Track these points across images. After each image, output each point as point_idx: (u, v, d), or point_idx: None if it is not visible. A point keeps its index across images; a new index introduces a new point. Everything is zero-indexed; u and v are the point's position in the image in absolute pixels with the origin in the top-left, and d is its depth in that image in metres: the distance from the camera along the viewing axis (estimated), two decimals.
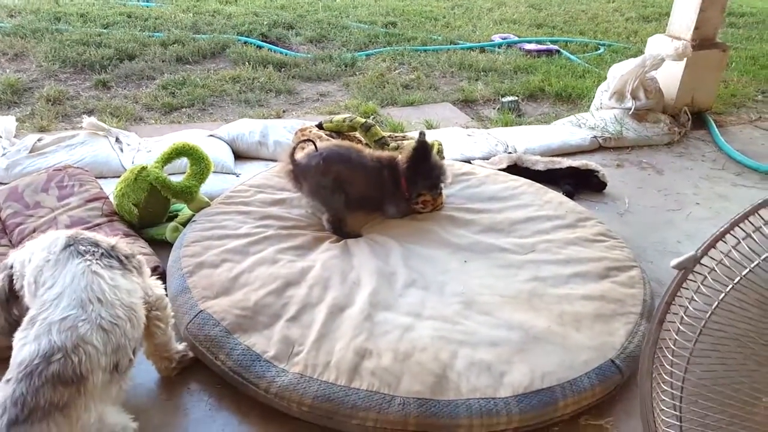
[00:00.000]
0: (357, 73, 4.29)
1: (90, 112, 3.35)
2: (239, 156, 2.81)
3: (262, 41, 4.69)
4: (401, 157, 2.12)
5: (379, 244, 1.97)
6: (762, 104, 3.99)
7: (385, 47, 4.79)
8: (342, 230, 2.03)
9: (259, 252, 1.83)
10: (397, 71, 4.35)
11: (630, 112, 3.26)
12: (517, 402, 1.38)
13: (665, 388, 0.84)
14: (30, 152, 2.57)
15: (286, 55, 4.46)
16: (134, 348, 1.31)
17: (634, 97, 3.29)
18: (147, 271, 1.45)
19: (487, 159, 2.82)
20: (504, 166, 2.67)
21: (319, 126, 2.59)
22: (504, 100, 3.79)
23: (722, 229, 0.81)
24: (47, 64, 4.06)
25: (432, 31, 5.36)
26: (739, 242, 0.77)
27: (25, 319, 1.22)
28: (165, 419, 1.43)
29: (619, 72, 3.34)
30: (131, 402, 1.43)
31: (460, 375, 1.42)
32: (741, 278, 0.76)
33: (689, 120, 3.36)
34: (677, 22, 3.40)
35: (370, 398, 1.36)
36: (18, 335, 1.20)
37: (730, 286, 0.77)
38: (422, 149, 2.09)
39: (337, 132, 2.57)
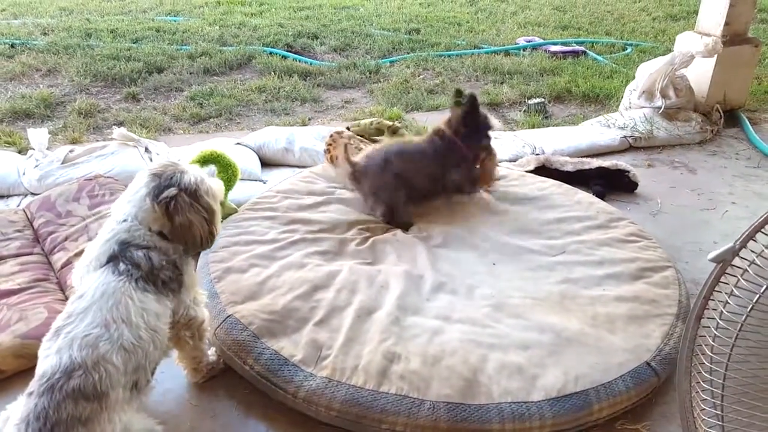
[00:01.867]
0: (381, 79, 4.30)
1: (120, 124, 3.43)
2: (266, 163, 2.84)
3: (287, 51, 4.75)
4: (447, 122, 2.19)
5: (407, 246, 1.95)
6: None
7: (408, 53, 4.79)
8: (399, 221, 2.09)
9: (287, 257, 1.83)
10: (421, 77, 4.35)
11: (660, 111, 3.18)
12: (550, 406, 1.34)
13: (705, 386, 0.80)
14: (62, 163, 2.63)
15: (310, 64, 4.51)
16: (155, 367, 1.32)
17: (664, 96, 3.21)
18: (192, 292, 1.43)
19: (515, 161, 2.78)
20: (532, 167, 2.63)
21: (347, 129, 2.61)
22: (530, 102, 3.75)
23: (763, 218, 0.77)
24: (79, 78, 4.18)
25: (455, 36, 5.35)
26: None
27: (52, 328, 1.24)
28: (194, 424, 1.43)
29: (648, 70, 3.27)
30: (161, 407, 1.44)
31: (491, 378, 1.39)
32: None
33: (721, 118, 3.26)
34: (706, 18, 3.31)
35: (400, 402, 1.34)
36: (43, 345, 1.22)
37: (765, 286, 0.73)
38: (472, 104, 2.17)
39: (362, 135, 2.58)
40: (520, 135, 3.13)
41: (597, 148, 2.97)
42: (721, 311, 0.77)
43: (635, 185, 2.59)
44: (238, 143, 2.88)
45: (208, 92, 3.98)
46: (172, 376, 1.51)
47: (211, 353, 1.56)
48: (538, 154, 2.78)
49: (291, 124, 3.52)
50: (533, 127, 3.39)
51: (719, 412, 0.77)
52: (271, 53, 4.67)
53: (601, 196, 2.45)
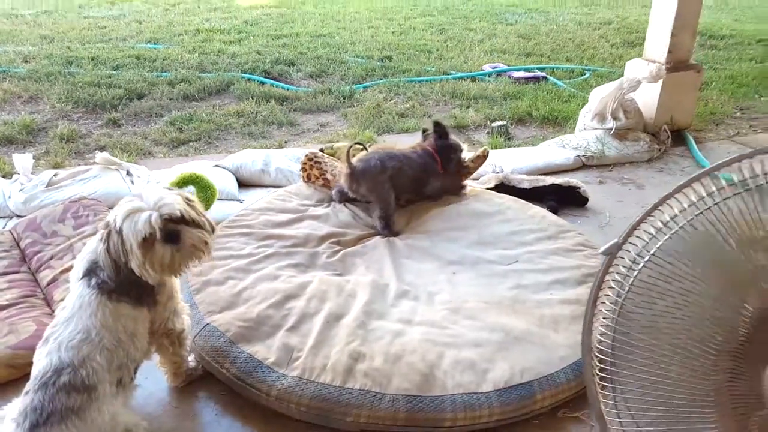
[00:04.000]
0: (355, 104, 4.50)
1: (102, 149, 3.55)
2: (243, 184, 2.99)
3: (264, 77, 4.94)
4: (427, 142, 2.55)
5: (374, 259, 2.11)
6: (740, 120, 4.17)
7: (381, 79, 5.02)
8: (390, 227, 2.33)
9: (261, 269, 1.98)
10: (392, 101, 4.56)
11: (611, 132, 3.43)
12: (498, 396, 1.50)
13: (599, 355, 0.98)
14: (46, 186, 2.75)
15: (287, 89, 4.69)
16: (137, 366, 1.45)
17: (615, 118, 3.47)
18: (170, 305, 1.51)
19: (477, 179, 2.97)
20: (492, 185, 2.83)
21: (321, 151, 2.79)
22: (494, 125, 3.98)
23: (638, 219, 0.96)
24: (60, 105, 4.30)
25: (426, 63, 5.60)
26: (656, 230, 0.92)
27: (43, 336, 1.36)
28: (175, 424, 1.55)
29: (600, 95, 3.53)
30: (144, 409, 1.56)
31: (446, 373, 1.55)
32: (642, 265, 0.92)
33: (669, 137, 3.52)
34: (652, 46, 3.61)
35: (363, 397, 1.48)
36: (36, 352, 1.34)
37: (637, 270, 0.93)
38: (441, 130, 2.55)
39: (335, 157, 2.75)
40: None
41: (553, 167, 3.19)
42: (609, 294, 0.96)
43: (586, 200, 2.80)
44: (216, 165, 3.03)
45: (188, 117, 4.12)
46: (154, 380, 1.63)
47: (191, 359, 1.68)
48: (497, 173, 2.99)
49: (268, 146, 3.68)
50: (496, 148, 3.61)
51: (610, 368, 0.96)
52: (249, 79, 4.84)
53: (555, 210, 2.65)
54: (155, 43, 6.05)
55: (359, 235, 2.28)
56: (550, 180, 2.83)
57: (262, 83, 4.80)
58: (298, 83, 4.98)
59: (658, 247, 0.90)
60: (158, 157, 3.59)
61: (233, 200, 2.80)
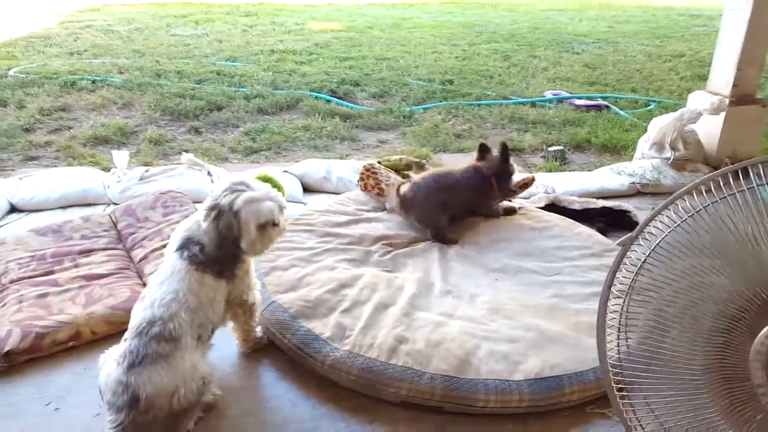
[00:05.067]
0: (414, 123, 4.73)
1: (186, 151, 3.93)
2: (307, 189, 3.26)
3: (330, 96, 5.27)
4: (484, 163, 2.64)
5: (423, 260, 2.30)
6: None
7: (441, 101, 5.23)
8: (445, 240, 2.47)
9: (321, 261, 2.20)
10: (450, 122, 4.76)
11: (669, 162, 3.47)
12: (528, 385, 1.63)
13: (613, 339, 1.12)
14: (139, 180, 3.12)
15: (351, 108, 4.99)
16: (214, 327, 1.69)
17: (673, 148, 3.50)
18: (246, 280, 1.75)
19: (528, 198, 3.10)
20: (542, 204, 2.94)
21: (378, 163, 3.01)
22: (550, 149, 4.08)
23: (651, 215, 1.10)
24: (150, 112, 4.77)
25: (487, 87, 5.77)
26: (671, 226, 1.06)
27: (140, 296, 1.62)
28: (242, 383, 1.79)
29: (659, 124, 3.58)
30: (216, 366, 1.77)
31: (481, 360, 1.70)
32: (650, 251, 1.06)
33: None
34: (716, 79, 3.62)
35: (405, 372, 1.66)
36: (134, 307, 1.60)
37: (647, 252, 1.07)
38: (506, 152, 2.64)
39: (394, 169, 2.97)
40: (537, 177, 3.45)
41: (606, 192, 3.25)
42: (622, 280, 1.10)
43: (636, 224, 2.84)
44: (285, 171, 3.32)
45: (261, 129, 4.48)
46: (226, 344, 1.87)
47: (258, 330, 1.91)
48: (549, 193, 3.10)
49: (330, 158, 3.96)
50: (550, 171, 3.71)
51: (622, 331, 1.10)
52: (316, 97, 5.19)
53: (603, 232, 2.72)
54: (234, 61, 6.56)
55: (410, 239, 2.47)
56: (601, 203, 2.91)
57: (328, 101, 5.12)
58: (362, 103, 5.27)
59: (661, 241, 1.04)
60: (233, 163, 3.94)
61: (298, 202, 3.06)
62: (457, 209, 2.58)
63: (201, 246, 1.63)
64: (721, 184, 1.03)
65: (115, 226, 2.60)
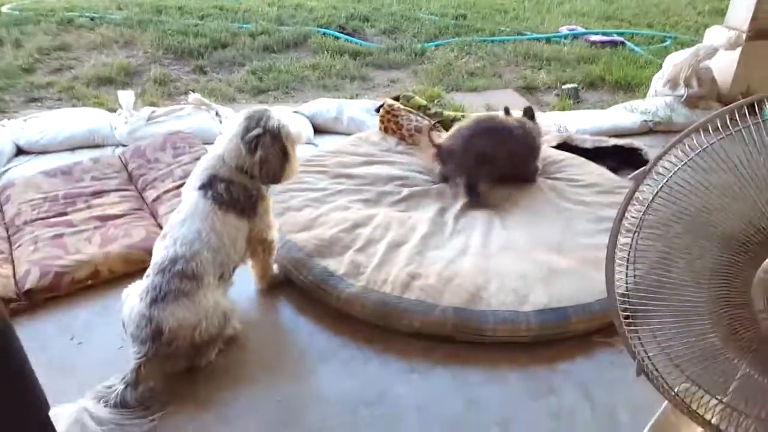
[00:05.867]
0: (426, 61, 4.61)
1: (192, 91, 3.88)
2: (318, 130, 3.23)
3: (339, 32, 5.11)
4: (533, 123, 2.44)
5: (436, 201, 2.31)
6: None
7: (453, 38, 5.07)
8: (475, 196, 2.26)
9: (334, 201, 2.22)
10: (463, 60, 4.63)
11: (682, 99, 3.40)
12: (536, 315, 1.69)
13: (621, 271, 1.16)
14: (147, 121, 3.09)
15: (360, 45, 4.85)
16: (235, 266, 1.72)
17: (687, 85, 3.43)
18: (266, 219, 1.78)
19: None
20: (554, 143, 2.92)
21: (396, 98, 2.95)
22: (564, 87, 4.01)
23: (662, 151, 1.10)
24: (152, 50, 4.65)
25: (501, 23, 5.58)
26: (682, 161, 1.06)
27: (161, 233, 1.65)
28: (261, 317, 1.86)
29: (674, 61, 3.49)
30: (236, 302, 1.82)
31: (491, 295, 1.75)
32: (658, 190, 1.07)
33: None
34: (735, 13, 3.50)
35: (418, 305, 1.72)
36: (156, 245, 1.63)
37: (655, 191, 1.08)
38: (531, 113, 2.47)
39: (415, 109, 2.91)
40: (549, 115, 3.41)
41: (618, 130, 3.22)
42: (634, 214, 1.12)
43: (647, 162, 2.83)
44: (294, 111, 3.28)
45: (267, 68, 4.38)
46: (245, 281, 1.91)
47: (276, 268, 1.96)
48: (561, 132, 3.07)
49: (340, 98, 3.89)
50: (563, 110, 3.66)
51: (630, 263, 1.13)
52: (324, 34, 5.03)
53: (614, 170, 2.71)
54: None
55: (424, 180, 2.47)
56: (612, 141, 2.89)
57: (337, 38, 4.97)
58: (372, 39, 5.12)
59: (669, 179, 1.05)
60: (241, 103, 3.88)
61: (309, 144, 3.05)
62: (501, 165, 2.29)
63: (226, 183, 1.65)
64: (729, 120, 1.02)
65: (126, 168, 2.61)
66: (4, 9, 5.47)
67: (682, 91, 3.44)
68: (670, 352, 1.09)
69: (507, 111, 2.51)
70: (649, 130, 3.29)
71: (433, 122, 2.46)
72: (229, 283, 1.72)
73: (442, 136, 2.39)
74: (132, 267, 1.97)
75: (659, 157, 1.08)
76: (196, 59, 4.54)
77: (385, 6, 6.02)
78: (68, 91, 3.88)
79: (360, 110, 3.28)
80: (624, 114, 3.38)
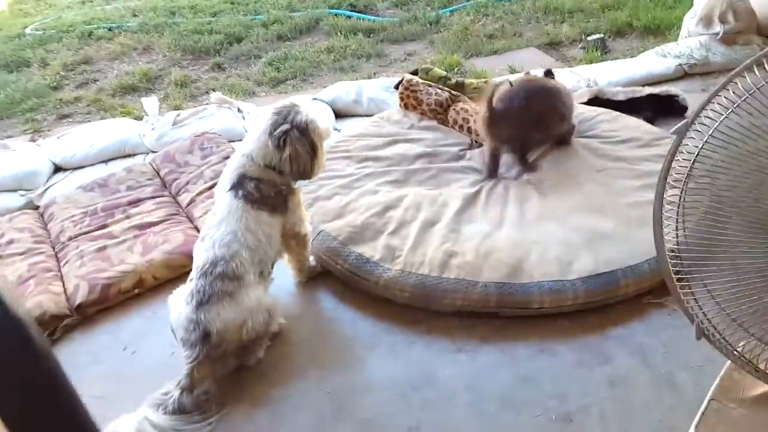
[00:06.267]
0: (441, 29, 4.49)
1: (213, 90, 3.90)
2: (338, 114, 3.20)
3: (350, 11, 5.02)
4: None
5: (465, 174, 2.26)
6: None
7: (468, 1, 4.92)
8: (528, 165, 2.16)
9: (362, 186, 2.20)
10: (480, 23, 4.49)
11: (718, 37, 3.21)
12: (582, 282, 1.64)
13: (670, 230, 1.09)
14: (173, 125, 3.13)
15: (373, 21, 4.76)
16: (273, 262, 1.73)
17: (723, 21, 3.23)
18: (298, 212, 1.79)
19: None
20: (585, 99, 2.80)
21: (414, 72, 2.88)
22: (589, 38, 3.83)
23: (706, 99, 1.02)
24: (170, 53, 4.69)
25: None
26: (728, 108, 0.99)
27: (200, 236, 1.67)
28: (303, 310, 1.87)
29: None
30: (277, 297, 1.84)
31: (533, 266, 1.71)
32: (705, 142, 1.00)
33: None
34: None
35: (458, 284, 1.69)
36: (195, 247, 1.65)
37: (701, 145, 1.01)
38: (551, 75, 2.36)
39: (435, 81, 2.83)
40: (576, 70, 3.27)
41: (652, 77, 3.07)
42: (679, 171, 1.06)
43: (685, 109, 2.70)
44: (314, 99, 3.26)
45: (283, 57, 4.35)
46: (284, 276, 1.93)
47: (312, 259, 1.96)
48: (591, 86, 2.94)
49: (358, 79, 3.83)
50: (591, 63, 3.50)
51: (679, 220, 1.07)
52: (336, 14, 4.96)
53: (650, 121, 2.59)
54: None
55: (451, 155, 2.42)
56: (647, 90, 2.76)
57: (349, 17, 4.89)
58: (384, 13, 5.01)
59: (715, 129, 0.97)
60: (261, 96, 3.88)
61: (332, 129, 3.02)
62: (551, 127, 2.17)
63: (256, 182, 1.65)
64: None
65: (158, 174, 2.65)
66: (28, 30, 5.60)
67: (717, 28, 3.25)
68: (731, 311, 1.03)
69: (550, 72, 2.37)
70: (684, 74, 3.12)
71: (496, 84, 2.19)
72: (270, 280, 1.74)
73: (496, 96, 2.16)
74: (174, 272, 2.01)
75: (702, 107, 1.01)
76: (213, 57, 4.56)
77: None
78: (96, 104, 3.96)
79: (380, 89, 3.22)
80: (656, 60, 3.22)
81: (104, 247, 2.11)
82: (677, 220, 1.15)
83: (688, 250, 1.07)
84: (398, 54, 4.26)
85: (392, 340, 1.69)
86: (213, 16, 5.40)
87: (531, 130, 2.14)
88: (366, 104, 3.17)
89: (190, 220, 2.30)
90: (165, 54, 4.72)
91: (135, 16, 5.77)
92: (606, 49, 3.77)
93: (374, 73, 3.96)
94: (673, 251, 1.13)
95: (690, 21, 3.41)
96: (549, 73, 2.37)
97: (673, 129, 1.11)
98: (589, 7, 4.42)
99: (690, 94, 2.83)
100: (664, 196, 1.09)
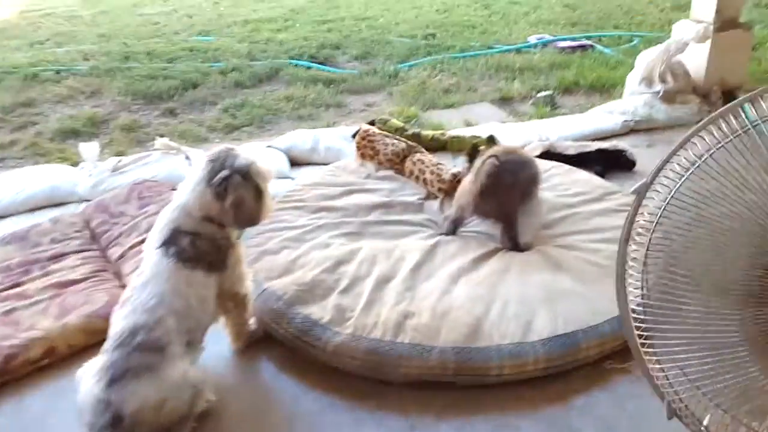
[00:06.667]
0: (400, 83, 4.53)
1: (161, 136, 3.74)
2: (294, 163, 3.09)
3: (311, 62, 5.03)
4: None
5: (423, 225, 2.18)
6: None
7: (425, 57, 5.02)
8: (519, 244, 2.01)
9: (314, 239, 2.07)
10: (437, 78, 4.56)
11: (659, 96, 3.36)
12: (543, 345, 1.54)
13: (635, 291, 1.02)
14: (112, 172, 2.94)
15: (334, 72, 4.77)
16: (205, 329, 1.56)
17: (662, 81, 3.39)
18: (238, 270, 1.63)
19: (522, 149, 2.96)
20: (537, 153, 2.81)
21: (372, 123, 2.83)
22: (539, 95, 3.94)
23: (665, 158, 0.98)
24: (120, 98, 4.53)
25: (470, 38, 5.55)
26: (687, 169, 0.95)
27: (120, 300, 1.48)
28: (239, 381, 1.67)
29: (646, 58, 3.46)
30: (209, 368, 1.65)
31: (492, 325, 1.60)
32: (668, 200, 0.95)
33: (720, 98, 3.40)
34: (699, 6, 3.49)
35: (413, 349, 1.56)
36: (114, 314, 1.46)
37: (663, 206, 0.96)
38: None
39: (393, 132, 2.79)
40: (528, 125, 3.32)
41: (600, 133, 3.15)
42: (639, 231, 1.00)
43: (633, 164, 2.75)
44: (269, 146, 3.16)
45: (240, 104, 4.26)
46: (219, 343, 1.73)
47: (252, 322, 1.78)
48: (543, 141, 2.96)
49: (317, 128, 3.77)
50: (542, 118, 3.57)
51: (642, 292, 1.00)
52: (296, 65, 4.95)
53: (601, 175, 2.61)
54: (206, 36, 6.25)
55: (408, 204, 2.33)
56: (595, 145, 2.80)
57: (309, 68, 4.90)
58: (344, 66, 5.05)
59: (679, 186, 0.93)
60: (214, 143, 3.74)
61: (285, 178, 2.91)
62: (532, 197, 2.07)
63: (192, 237, 1.50)
64: (725, 121, 0.92)
65: (88, 225, 2.43)
66: None
67: (658, 87, 3.40)
68: (704, 388, 0.94)
69: (492, 139, 2.36)
70: (630, 130, 3.23)
71: (488, 156, 2.06)
72: (200, 350, 1.55)
73: (480, 172, 2.05)
74: (93, 338, 1.75)
75: (660, 168, 0.96)
76: (165, 102, 4.42)
77: (354, 33, 5.98)
78: (32, 148, 3.72)
79: (337, 138, 3.16)
80: (604, 116, 3.32)
81: (12, 310, 1.86)
82: (640, 281, 1.09)
83: (654, 318, 0.99)
84: (357, 104, 4.25)
85: (338, 420, 1.52)
86: (169, 62, 5.30)
87: (519, 203, 2.04)
88: (323, 153, 3.09)
89: (119, 277, 2.09)
90: (114, 98, 4.56)
91: (86, 60, 5.62)
92: (555, 105, 3.88)
93: (333, 123, 3.92)
94: (635, 312, 1.05)
95: (633, 80, 3.57)
96: (492, 140, 2.33)
97: (633, 188, 1.06)
98: (538, 66, 4.59)
99: (636, 148, 2.91)
100: (626, 258, 1.01)
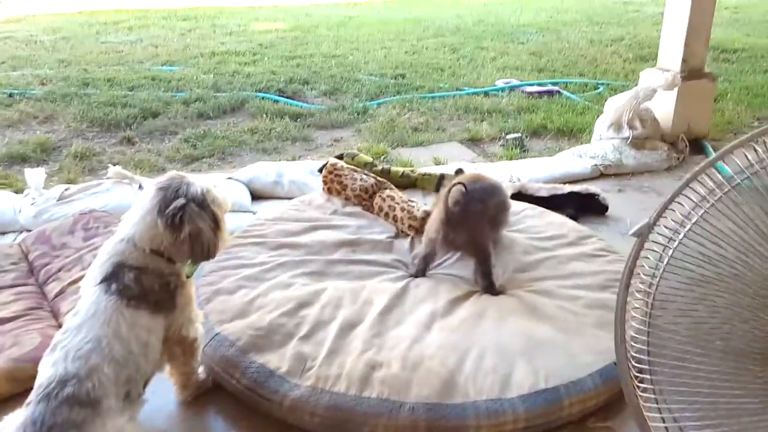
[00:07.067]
0: (369, 119, 4.49)
1: (115, 165, 3.54)
2: (256, 196, 2.95)
3: (278, 96, 4.95)
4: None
5: (393, 266, 2.05)
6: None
7: (394, 96, 5.02)
8: (494, 284, 1.91)
9: (274, 278, 1.92)
10: (406, 116, 4.55)
11: (628, 141, 3.40)
12: (522, 401, 1.42)
13: (635, 346, 0.92)
14: (58, 200, 2.73)
15: (301, 107, 4.70)
16: (147, 378, 1.39)
17: (631, 127, 3.44)
18: (187, 310, 1.48)
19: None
20: (509, 194, 2.76)
21: (340, 157, 2.73)
22: (508, 137, 3.95)
23: (668, 200, 0.91)
24: (75, 124, 4.33)
25: (439, 80, 5.61)
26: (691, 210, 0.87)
27: (51, 343, 1.30)
28: None
29: (615, 105, 3.51)
30: (151, 423, 1.49)
31: (467, 378, 1.47)
32: (678, 243, 0.87)
33: (687, 146, 3.49)
34: (666, 55, 3.60)
35: (381, 405, 1.41)
36: (42, 360, 1.28)
37: (672, 248, 0.87)
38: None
39: (361, 166, 2.70)
40: (498, 166, 3.30)
41: (570, 176, 3.14)
42: (642, 278, 0.91)
43: (605, 208, 2.73)
44: (229, 178, 3.01)
45: (202, 134, 4.12)
46: (163, 393, 1.56)
47: (201, 371, 1.62)
48: (514, 182, 2.92)
49: (282, 161, 3.66)
50: (511, 159, 3.56)
51: (645, 347, 0.91)
52: (263, 98, 4.86)
53: (574, 218, 2.57)
54: (171, 66, 6.13)
55: (376, 242, 2.22)
56: (568, 188, 2.78)
57: (276, 101, 4.81)
58: (312, 101, 4.99)
59: (681, 239, 0.85)
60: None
61: (246, 212, 2.76)
62: (502, 224, 2.05)
63: (137, 272, 1.35)
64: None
65: (26, 258, 2.22)
66: None
67: (626, 133, 3.44)
68: None
69: (460, 171, 2.27)
70: (600, 174, 3.24)
71: (454, 183, 1.95)
72: (140, 402, 1.36)
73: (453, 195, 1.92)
74: (21, 386, 1.56)
75: (659, 214, 0.89)
76: (123, 130, 4.25)
77: (324, 69, 5.97)
78: None
79: (302, 172, 3.04)
80: (574, 159, 3.32)
81: None
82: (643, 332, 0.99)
83: (659, 388, 0.89)
84: (325, 139, 4.17)
85: None
86: (130, 90, 5.14)
87: (489, 231, 1.96)
88: (287, 186, 2.97)
89: (55, 316, 1.89)
90: (69, 124, 4.35)
91: (43, 84, 5.41)
92: (524, 147, 3.88)
93: (299, 156, 3.82)
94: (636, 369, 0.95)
95: (601, 125, 3.61)
96: (460, 172, 2.25)
97: (633, 231, 0.98)
98: (506, 109, 4.64)
99: (607, 193, 2.90)
100: (627, 310, 0.92)
